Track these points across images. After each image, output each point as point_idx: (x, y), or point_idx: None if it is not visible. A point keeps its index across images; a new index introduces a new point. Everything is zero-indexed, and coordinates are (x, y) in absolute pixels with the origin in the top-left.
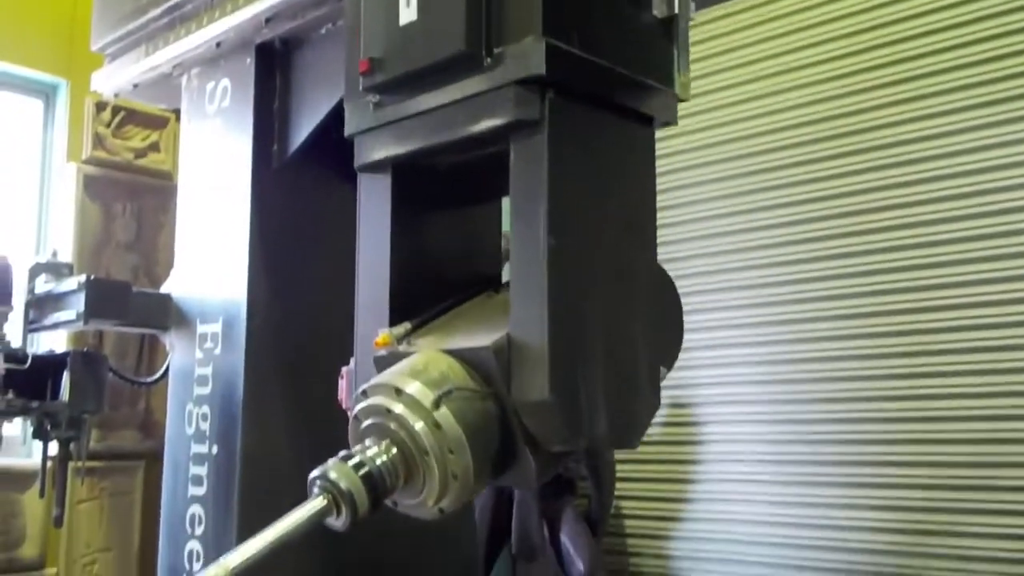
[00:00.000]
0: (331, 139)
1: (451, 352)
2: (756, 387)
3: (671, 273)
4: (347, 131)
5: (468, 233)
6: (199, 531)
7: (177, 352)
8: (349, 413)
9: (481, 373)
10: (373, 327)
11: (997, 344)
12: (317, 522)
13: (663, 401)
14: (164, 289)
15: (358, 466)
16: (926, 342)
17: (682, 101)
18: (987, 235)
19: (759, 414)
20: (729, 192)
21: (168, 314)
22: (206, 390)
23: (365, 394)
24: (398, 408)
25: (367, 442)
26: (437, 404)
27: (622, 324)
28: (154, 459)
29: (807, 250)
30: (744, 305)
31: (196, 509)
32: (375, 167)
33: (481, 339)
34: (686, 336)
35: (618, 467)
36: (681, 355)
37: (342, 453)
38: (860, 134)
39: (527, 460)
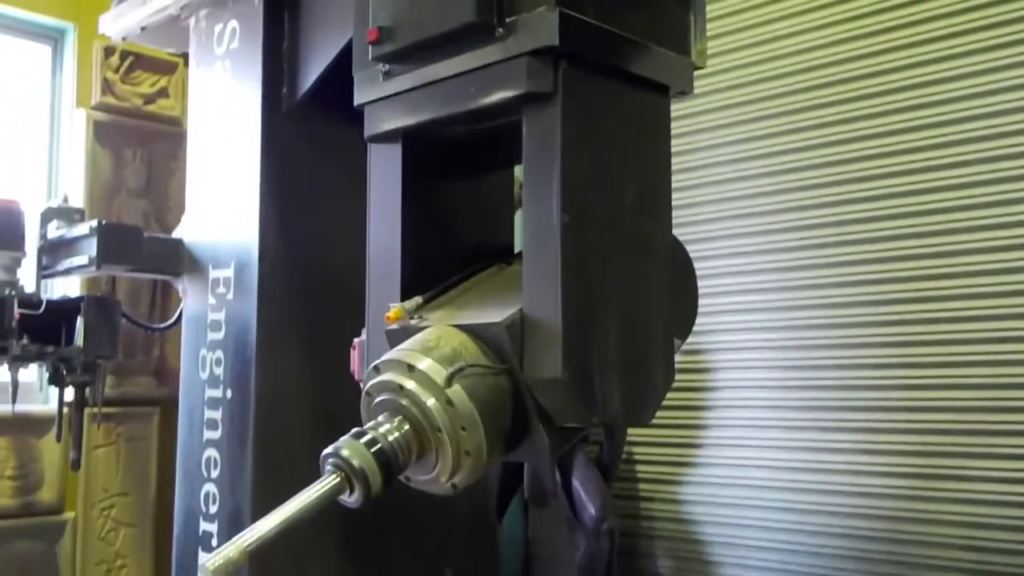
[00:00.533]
0: (341, 81)
1: (463, 327)
2: (769, 333)
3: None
4: (356, 101)
5: (480, 202)
6: (215, 474)
7: (190, 298)
8: (362, 386)
9: (494, 349)
10: (384, 300)
11: (1005, 292)
12: (330, 500)
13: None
14: (176, 235)
15: (370, 443)
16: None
17: (699, 69)
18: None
19: (770, 360)
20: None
21: (180, 260)
22: (219, 335)
23: (377, 370)
24: (410, 385)
25: (380, 418)
26: (450, 381)
27: (636, 299)
28: (169, 405)
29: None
30: (756, 252)
31: (211, 452)
32: (385, 137)
33: (494, 314)
34: (700, 282)
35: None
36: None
37: (354, 430)
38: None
39: (540, 435)
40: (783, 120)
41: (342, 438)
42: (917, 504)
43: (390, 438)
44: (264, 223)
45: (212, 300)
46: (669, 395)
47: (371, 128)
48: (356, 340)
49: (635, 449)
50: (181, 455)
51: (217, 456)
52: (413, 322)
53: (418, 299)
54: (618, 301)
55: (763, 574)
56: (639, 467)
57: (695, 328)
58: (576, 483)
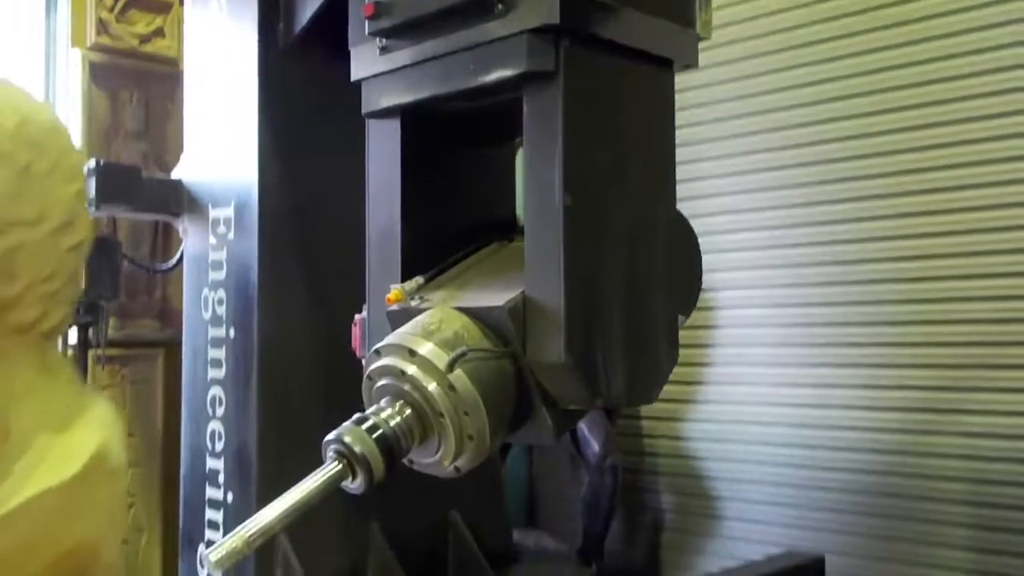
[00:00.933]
0: (339, 18)
1: (465, 310)
2: (774, 270)
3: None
4: (354, 76)
5: (480, 176)
6: (220, 412)
7: (191, 238)
8: (364, 363)
9: (496, 332)
10: (385, 279)
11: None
12: (333, 487)
13: None
14: (175, 175)
15: (372, 429)
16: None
17: (703, 40)
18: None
19: (773, 297)
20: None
21: (180, 200)
22: (221, 275)
23: (378, 353)
24: (411, 370)
25: (381, 403)
26: (451, 366)
27: (640, 279)
28: (173, 347)
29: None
30: (760, 189)
31: (216, 391)
32: (383, 114)
33: (496, 297)
34: (699, 222)
35: None
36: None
37: (356, 416)
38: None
39: (544, 417)
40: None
41: (344, 424)
42: (918, 437)
43: (392, 423)
44: (263, 161)
45: (213, 240)
46: None
47: (369, 104)
48: (357, 316)
49: None
50: (186, 395)
51: (222, 395)
52: (414, 303)
53: (419, 279)
54: (622, 282)
55: (766, 508)
56: (642, 405)
57: None
58: (579, 421)
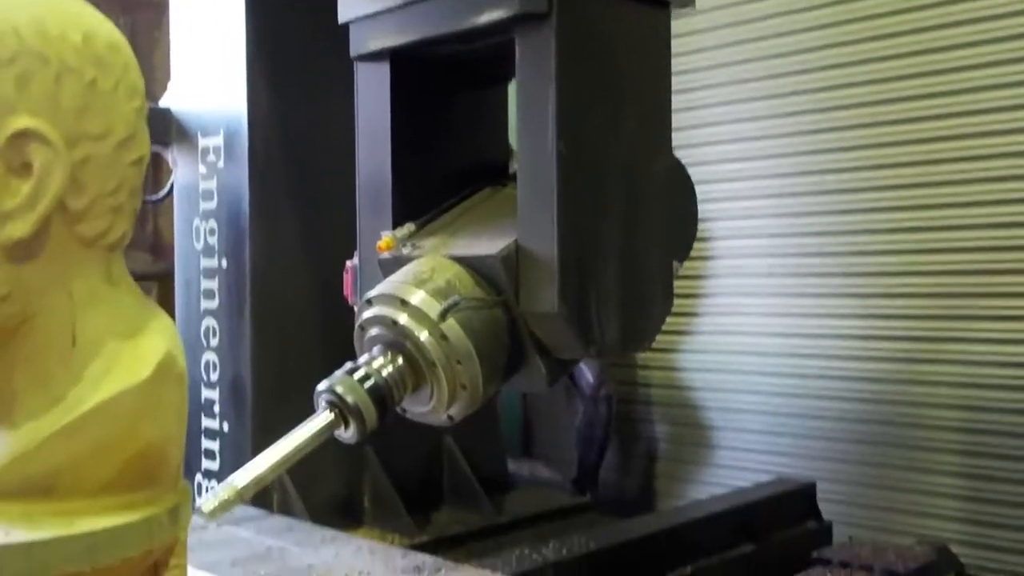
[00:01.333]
0: None
1: (457, 258)
2: (770, 200)
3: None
4: (341, 18)
5: (472, 121)
6: (214, 343)
7: (180, 168)
8: (355, 309)
9: (488, 280)
10: (376, 226)
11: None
12: (325, 436)
13: None
14: (163, 103)
15: (364, 379)
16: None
17: None
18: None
19: (767, 227)
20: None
21: (168, 129)
22: (212, 204)
23: (369, 303)
24: (403, 319)
25: (373, 352)
26: (444, 316)
27: (635, 227)
28: (166, 280)
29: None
30: (759, 125)
31: (210, 322)
32: (372, 57)
33: (488, 245)
34: (697, 151)
35: None
36: (693, 169)
37: (348, 365)
38: None
39: (537, 366)
40: None
41: (335, 373)
42: (909, 366)
43: (384, 373)
44: (252, 88)
45: (203, 169)
46: None
47: (357, 47)
48: (348, 263)
49: None
50: (180, 326)
51: (216, 325)
52: (405, 251)
53: (410, 226)
54: (616, 230)
55: (759, 437)
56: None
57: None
58: None
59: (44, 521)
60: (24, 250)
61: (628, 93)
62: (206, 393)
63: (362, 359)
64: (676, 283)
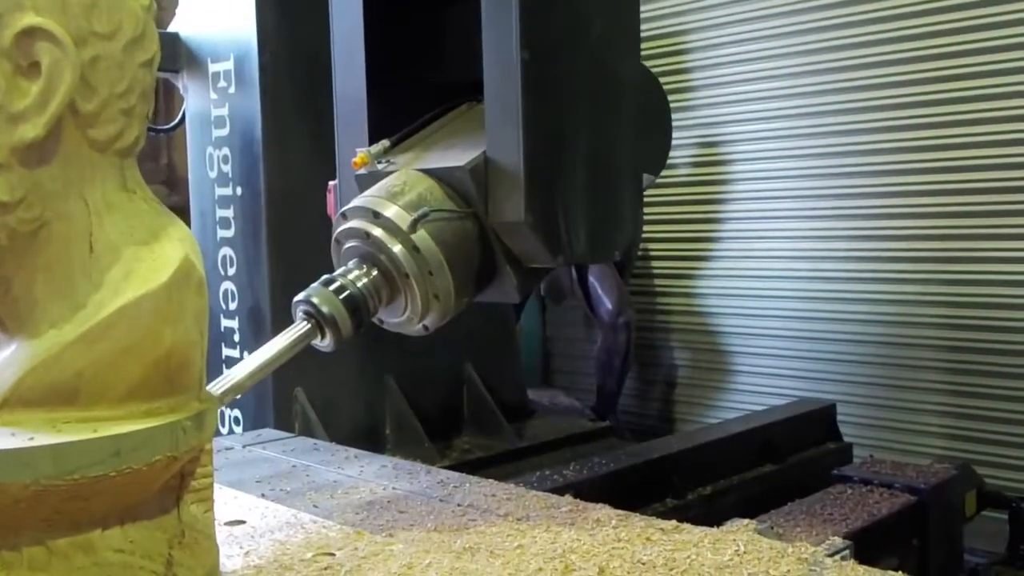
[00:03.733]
0: None
1: (428, 171)
2: (787, 121)
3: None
4: None
5: (450, 36)
6: (231, 272)
7: (191, 95)
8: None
9: (459, 192)
10: (352, 144)
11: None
12: (302, 346)
13: (690, 142)
14: (171, 28)
15: (339, 290)
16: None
17: None
18: None
19: (785, 150)
20: None
21: (178, 55)
22: (224, 132)
23: (344, 216)
24: (376, 232)
25: (348, 265)
26: (414, 227)
27: (603, 136)
28: (182, 213)
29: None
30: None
31: (227, 251)
32: None
33: (458, 157)
34: (715, 72)
35: (645, 210)
36: (710, 93)
37: (323, 277)
38: None
39: (508, 276)
40: None
41: (311, 285)
42: (930, 288)
43: (359, 284)
44: (261, 11)
45: (214, 96)
46: (682, 189)
47: None
48: (331, 183)
49: (650, 245)
50: None
51: (232, 254)
52: (380, 167)
53: (385, 142)
54: (583, 140)
55: (778, 362)
56: (654, 263)
57: (709, 120)
58: (592, 279)
59: (68, 427)
60: (37, 153)
61: (593, 2)
62: (225, 323)
63: (338, 271)
64: (693, 208)
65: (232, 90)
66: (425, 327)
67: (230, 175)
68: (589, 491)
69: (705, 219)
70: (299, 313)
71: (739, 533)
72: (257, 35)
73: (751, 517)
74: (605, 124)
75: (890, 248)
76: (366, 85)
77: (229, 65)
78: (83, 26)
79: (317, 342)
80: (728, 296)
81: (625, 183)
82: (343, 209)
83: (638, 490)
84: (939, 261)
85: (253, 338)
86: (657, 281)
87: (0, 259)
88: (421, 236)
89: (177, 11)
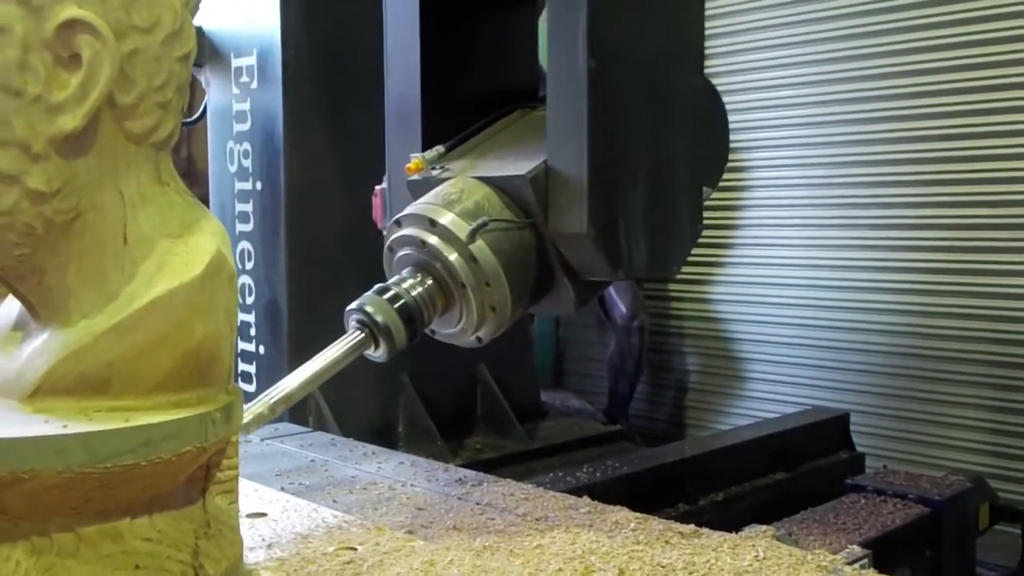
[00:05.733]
0: None
1: (486, 179)
2: (803, 130)
3: None
4: None
5: (501, 43)
6: (249, 266)
7: (213, 89)
8: (384, 233)
9: (517, 202)
10: (404, 148)
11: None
12: (355, 355)
13: None
14: (194, 23)
15: (394, 299)
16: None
17: None
18: None
19: (802, 158)
20: None
21: (201, 50)
22: (245, 126)
23: (399, 224)
24: (432, 240)
25: (403, 273)
26: (472, 237)
27: (665, 148)
28: None
29: None
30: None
31: (245, 245)
32: None
33: (517, 166)
34: (733, 79)
35: None
36: (727, 100)
37: (378, 286)
38: None
39: (565, 288)
40: None
41: (365, 294)
42: (939, 299)
43: (413, 293)
44: (286, 7)
45: (236, 90)
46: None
47: None
48: (377, 187)
49: None
50: None
51: (251, 248)
52: (435, 173)
53: (439, 148)
54: (646, 151)
55: (791, 370)
56: (664, 278)
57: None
58: None
59: (100, 416)
60: (75, 144)
61: (661, 11)
62: (242, 316)
63: (392, 280)
64: (710, 215)
65: (254, 85)
66: (479, 339)
67: (250, 170)
68: (603, 494)
69: (721, 225)
70: (352, 322)
71: (758, 539)
72: (281, 31)
73: (763, 524)
74: (667, 134)
75: (907, 259)
76: (420, 89)
77: (252, 60)
78: (123, 19)
79: (370, 352)
80: (743, 303)
81: (685, 196)
82: (397, 216)
83: (651, 494)
84: (957, 273)
85: (269, 332)
86: (671, 286)
87: (35, 248)
88: (479, 246)
89: (201, 5)
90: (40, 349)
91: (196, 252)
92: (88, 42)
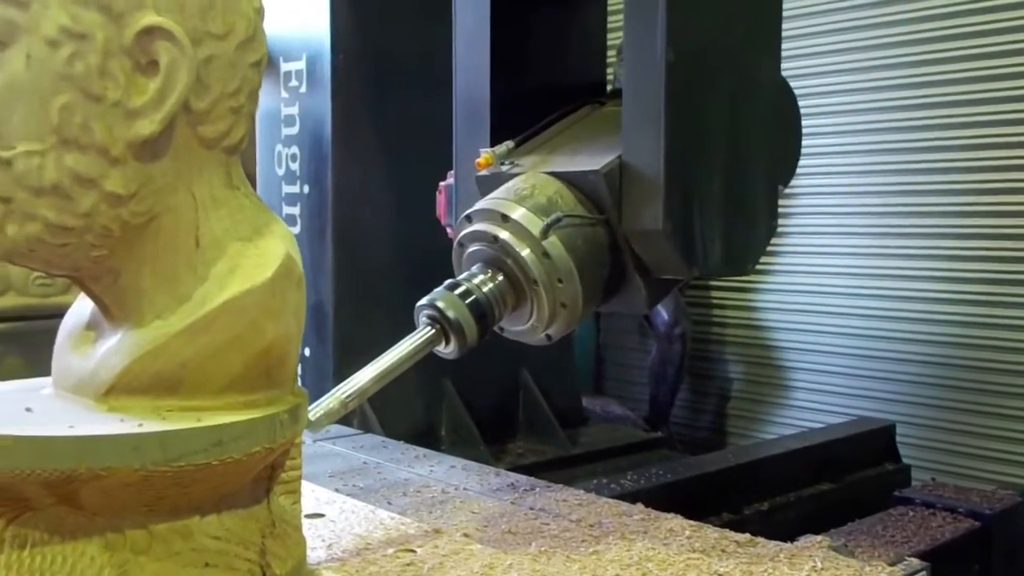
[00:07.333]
0: None
1: (558, 175)
2: (851, 136)
3: None
4: None
5: (570, 38)
6: None
7: (262, 93)
8: (449, 232)
9: (590, 198)
10: (473, 143)
11: None
12: (426, 351)
13: None
14: None
15: (465, 295)
16: None
17: None
18: None
19: (847, 166)
20: None
21: None
22: (294, 130)
23: (469, 219)
24: (504, 235)
25: (473, 269)
26: (546, 233)
27: (742, 143)
28: None
29: None
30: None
31: None
32: None
33: (590, 161)
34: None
35: None
36: None
37: (448, 281)
38: None
39: (638, 287)
40: None
41: (436, 289)
42: (988, 309)
43: (484, 289)
44: (335, 12)
45: (285, 94)
46: None
47: None
48: (441, 184)
49: None
50: None
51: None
52: (504, 168)
53: (509, 143)
54: (723, 146)
55: (834, 379)
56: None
57: None
58: None
59: (173, 416)
60: (151, 149)
61: (738, 3)
62: None
63: (462, 275)
64: None
65: (303, 89)
66: (548, 336)
67: (298, 173)
68: (647, 501)
69: None
70: (422, 318)
71: (814, 549)
72: (331, 36)
73: (808, 535)
74: (744, 129)
75: (955, 268)
76: (490, 84)
77: (301, 65)
78: (199, 26)
79: (441, 349)
80: (786, 311)
81: (761, 192)
82: (468, 212)
83: (695, 502)
84: (1007, 284)
85: (315, 335)
86: (714, 293)
87: (111, 250)
88: (552, 242)
89: None
90: (115, 348)
91: (267, 255)
92: (166, 48)
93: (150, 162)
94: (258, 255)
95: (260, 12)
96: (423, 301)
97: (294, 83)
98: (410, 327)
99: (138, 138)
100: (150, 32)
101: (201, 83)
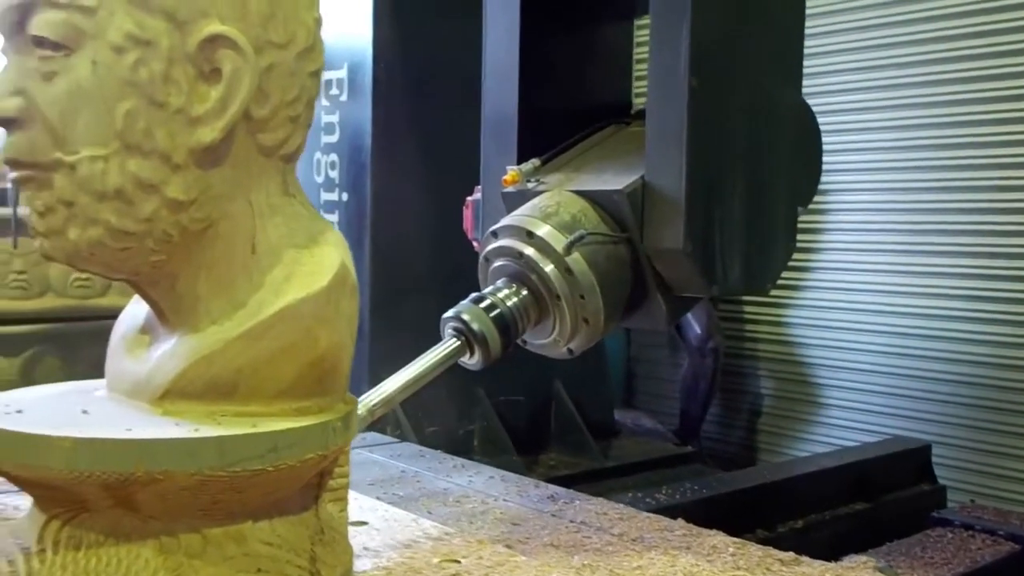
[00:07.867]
0: None
1: (583, 193)
2: (883, 154)
3: None
4: None
5: (597, 58)
6: None
7: None
8: (474, 245)
9: (614, 216)
10: (500, 161)
11: None
12: (451, 362)
13: None
14: None
15: (490, 308)
16: None
17: None
18: None
19: (883, 183)
20: None
21: None
22: (334, 138)
23: (495, 235)
24: (529, 251)
25: (498, 283)
26: (569, 249)
27: (761, 166)
28: None
29: None
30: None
31: None
32: None
33: (614, 181)
34: (811, 103)
35: None
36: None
37: (473, 295)
38: None
39: (658, 304)
40: None
41: (461, 302)
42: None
43: (509, 303)
44: (378, 22)
45: (325, 102)
46: None
47: None
48: (468, 198)
49: None
50: None
51: None
52: (530, 186)
53: (535, 161)
54: (744, 168)
55: (868, 397)
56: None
57: None
58: None
59: (228, 421)
60: (211, 156)
61: (761, 28)
62: None
63: (487, 289)
64: None
65: (344, 98)
66: (570, 350)
67: (336, 181)
68: (681, 516)
69: (798, 248)
70: (448, 330)
71: (860, 570)
72: (372, 47)
73: (842, 554)
74: (764, 153)
75: (992, 288)
76: (518, 101)
77: (342, 74)
78: (261, 35)
79: (465, 360)
80: (820, 327)
81: (780, 213)
82: (494, 228)
83: (728, 518)
84: (1020, 302)
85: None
86: (747, 308)
87: (170, 255)
88: (575, 258)
89: None
90: (170, 353)
91: (322, 263)
92: (229, 57)
93: (210, 169)
94: (314, 263)
95: (319, 22)
96: (449, 313)
97: (335, 91)
98: (441, 336)
99: (199, 145)
100: (213, 40)
101: (261, 91)
